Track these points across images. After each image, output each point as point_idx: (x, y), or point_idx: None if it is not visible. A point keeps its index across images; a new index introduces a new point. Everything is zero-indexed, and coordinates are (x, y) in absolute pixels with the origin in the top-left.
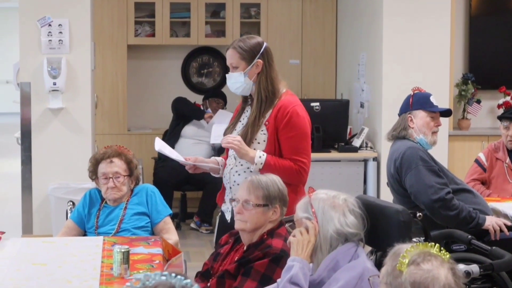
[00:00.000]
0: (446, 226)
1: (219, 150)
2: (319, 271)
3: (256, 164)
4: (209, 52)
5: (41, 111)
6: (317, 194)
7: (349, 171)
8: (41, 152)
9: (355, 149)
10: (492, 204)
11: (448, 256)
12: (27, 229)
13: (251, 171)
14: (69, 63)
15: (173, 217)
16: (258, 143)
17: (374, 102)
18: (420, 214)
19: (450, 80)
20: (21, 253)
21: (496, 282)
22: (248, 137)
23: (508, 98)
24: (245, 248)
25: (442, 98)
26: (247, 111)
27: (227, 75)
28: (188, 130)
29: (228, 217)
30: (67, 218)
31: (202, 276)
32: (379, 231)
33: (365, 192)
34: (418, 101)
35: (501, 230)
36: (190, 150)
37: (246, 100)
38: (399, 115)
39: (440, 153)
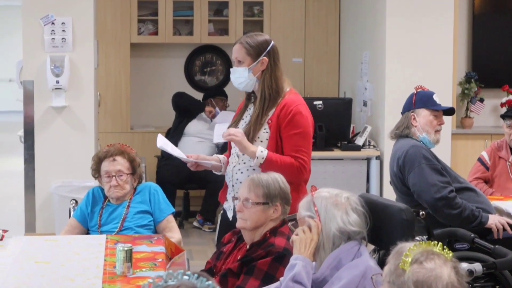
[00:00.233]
0: (449, 225)
1: (222, 149)
2: (322, 269)
3: (257, 158)
4: (212, 50)
5: (44, 109)
6: (320, 193)
7: (352, 170)
8: (44, 150)
9: (358, 148)
10: (495, 203)
11: (451, 254)
12: (30, 228)
13: (254, 169)
14: (72, 62)
15: (176, 215)
16: (261, 141)
17: (377, 101)
18: (423, 212)
19: (453, 79)
20: (24, 251)
21: (499, 280)
22: (251, 135)
23: (511, 97)
24: (248, 246)
25: (445, 97)
26: (249, 108)
27: (231, 69)
28: (191, 127)
29: (230, 215)
30: (70, 216)
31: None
32: (382, 229)
33: (368, 190)
34: (421, 99)
35: (504, 229)
36: (193, 148)
37: (249, 97)
38: (402, 113)
39: (443, 152)
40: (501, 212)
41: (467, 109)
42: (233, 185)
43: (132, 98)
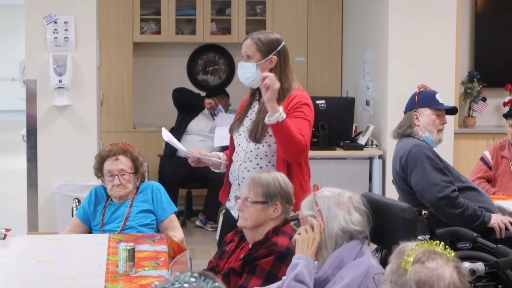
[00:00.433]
0: (451, 224)
1: (224, 148)
2: (324, 268)
3: (280, 113)
4: (215, 49)
5: (47, 109)
6: (322, 192)
7: (355, 169)
8: (46, 150)
9: (361, 147)
10: (497, 202)
11: (453, 254)
12: (33, 227)
13: (260, 167)
14: (75, 61)
15: (178, 214)
16: (270, 135)
17: (379, 100)
18: (426, 212)
19: (456, 78)
20: (27, 250)
21: (502, 280)
22: (259, 132)
23: None
24: (250, 246)
25: (447, 96)
26: (254, 106)
27: (239, 63)
28: (194, 125)
29: (235, 214)
30: (72, 215)
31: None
32: (384, 228)
33: (370, 190)
34: (424, 99)
35: (506, 228)
36: (195, 147)
37: (253, 94)
38: (405, 113)
39: (445, 151)
40: (503, 211)
41: (469, 108)
42: (239, 184)
43: (135, 97)
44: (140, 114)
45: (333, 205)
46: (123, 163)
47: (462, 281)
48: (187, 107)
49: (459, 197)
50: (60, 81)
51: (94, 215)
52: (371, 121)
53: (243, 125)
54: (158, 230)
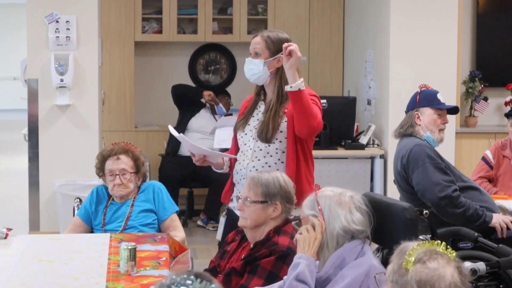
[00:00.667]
0: (453, 224)
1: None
2: (325, 268)
3: (301, 81)
4: (216, 49)
5: (48, 108)
6: (324, 192)
7: (356, 169)
8: (48, 149)
9: (362, 147)
10: (499, 202)
11: (454, 254)
12: (34, 226)
13: (269, 166)
14: (77, 60)
15: (180, 214)
16: (281, 131)
17: (381, 100)
18: (427, 211)
19: (457, 78)
20: (28, 249)
21: (503, 279)
22: (270, 133)
23: None
24: (251, 245)
25: (449, 96)
26: (260, 106)
27: (247, 59)
28: (195, 122)
29: (239, 214)
30: (74, 215)
31: (209, 273)
32: (385, 228)
33: (372, 189)
34: (425, 98)
35: (508, 228)
36: (196, 144)
37: (259, 94)
38: (406, 112)
39: (447, 151)
40: (505, 211)
41: (471, 108)
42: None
43: (136, 96)
44: (141, 113)
45: (334, 205)
46: (124, 162)
47: (463, 281)
48: (187, 102)
49: (460, 197)
50: (61, 80)
51: (95, 215)
52: (373, 120)
53: (249, 124)
54: (159, 230)
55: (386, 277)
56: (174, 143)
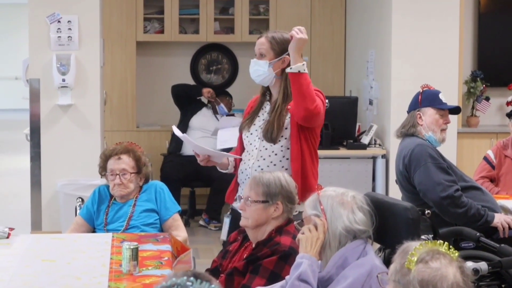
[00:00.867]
0: (454, 224)
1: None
2: (327, 268)
3: (302, 64)
4: (218, 49)
5: (50, 108)
6: (326, 191)
7: (358, 168)
8: (50, 149)
9: (364, 146)
10: (500, 202)
11: (456, 254)
12: (36, 226)
13: (274, 165)
14: (78, 60)
15: (182, 214)
16: (286, 128)
17: (382, 99)
18: (429, 211)
19: (459, 78)
20: (30, 249)
21: (505, 279)
22: (275, 133)
23: None
24: (253, 245)
25: (451, 96)
26: (265, 106)
27: (252, 60)
28: (196, 121)
29: None
30: (76, 214)
31: (211, 273)
32: (387, 228)
33: (373, 189)
34: (427, 98)
35: (510, 228)
36: (198, 143)
37: (264, 94)
38: (408, 112)
39: (448, 151)
40: (506, 210)
41: (473, 107)
42: None
43: (138, 96)
44: (143, 113)
45: (336, 205)
46: (125, 162)
47: (465, 281)
48: (187, 100)
49: (462, 197)
50: (63, 80)
51: (97, 214)
52: (374, 120)
53: (254, 124)
54: (161, 230)
55: (389, 277)
56: (176, 143)
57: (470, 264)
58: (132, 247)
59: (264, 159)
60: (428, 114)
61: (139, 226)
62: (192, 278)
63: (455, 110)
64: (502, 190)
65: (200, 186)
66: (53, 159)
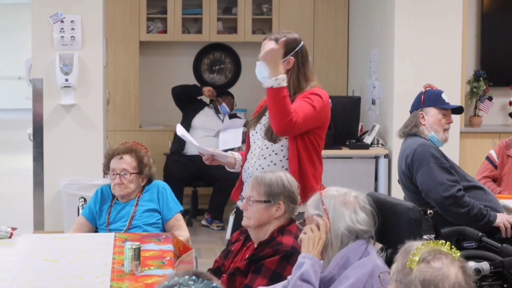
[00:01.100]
0: (457, 224)
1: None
2: (329, 268)
3: (277, 79)
4: (221, 48)
5: (53, 108)
6: (328, 191)
7: (360, 168)
8: (53, 148)
9: (366, 146)
10: (503, 202)
11: (458, 254)
12: (39, 225)
13: (274, 164)
14: (81, 60)
15: (184, 213)
16: None
17: (385, 99)
18: (431, 211)
19: (462, 77)
20: (33, 249)
21: (507, 279)
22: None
23: None
24: (255, 245)
25: (453, 95)
26: None
27: (257, 62)
28: (198, 120)
29: None
30: (78, 214)
31: (213, 273)
32: (389, 228)
33: (376, 189)
34: (430, 98)
35: None
36: (200, 142)
37: None
38: (411, 112)
39: (451, 150)
40: (509, 210)
41: (475, 107)
42: None
43: (141, 96)
44: (146, 113)
45: (339, 205)
46: (127, 162)
47: (467, 281)
48: (187, 100)
49: (464, 196)
50: (66, 80)
51: (100, 214)
52: (377, 120)
53: (260, 123)
54: (163, 229)
55: (391, 277)
56: (178, 143)
57: (472, 264)
58: (134, 247)
59: (265, 158)
60: (431, 114)
61: (141, 226)
62: (193, 277)
63: (457, 110)
64: (504, 190)
65: (202, 186)
66: (55, 159)
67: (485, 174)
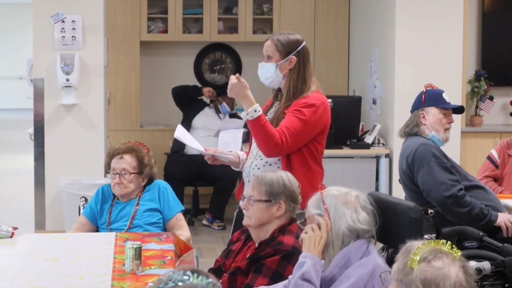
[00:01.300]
0: (458, 223)
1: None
2: (330, 267)
3: (248, 113)
4: (222, 48)
5: (54, 107)
6: (329, 191)
7: (361, 168)
8: (54, 148)
9: (367, 146)
10: (504, 201)
11: (459, 253)
12: (40, 225)
13: (270, 165)
14: (82, 59)
15: (185, 213)
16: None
17: (386, 99)
18: (432, 211)
19: (463, 77)
20: (34, 248)
21: (508, 279)
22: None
23: None
24: (256, 245)
25: (454, 95)
26: (275, 106)
27: (259, 64)
28: (198, 120)
29: None
30: (79, 214)
31: (214, 272)
32: (390, 228)
33: (377, 188)
34: (431, 97)
35: None
36: (200, 142)
37: (277, 95)
38: (412, 111)
39: (452, 150)
40: (510, 210)
41: (476, 107)
42: (249, 181)
43: (142, 96)
44: (147, 112)
45: (340, 204)
46: (127, 162)
47: (468, 280)
48: (187, 101)
49: (465, 196)
50: (67, 80)
51: (101, 214)
52: (378, 119)
53: None
54: (164, 229)
55: (391, 276)
56: (179, 142)
57: (473, 264)
58: (135, 246)
59: (261, 158)
60: (432, 114)
61: (142, 225)
62: (189, 272)
63: (458, 110)
64: (505, 189)
65: (203, 186)
66: (56, 158)
67: (486, 173)
